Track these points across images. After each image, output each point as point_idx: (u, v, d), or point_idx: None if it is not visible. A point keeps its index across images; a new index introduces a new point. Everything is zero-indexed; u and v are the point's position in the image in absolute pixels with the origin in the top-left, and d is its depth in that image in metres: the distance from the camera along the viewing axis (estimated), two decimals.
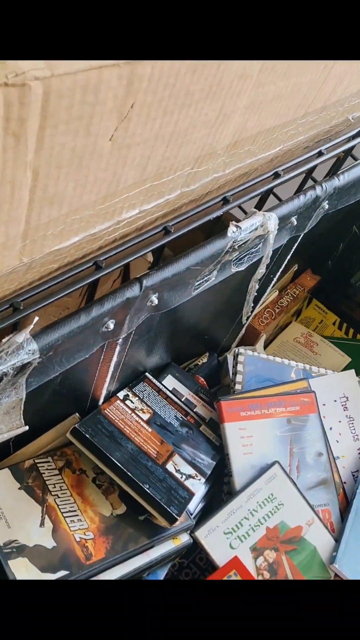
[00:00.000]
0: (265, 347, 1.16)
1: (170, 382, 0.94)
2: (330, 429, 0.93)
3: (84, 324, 0.57)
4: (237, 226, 0.68)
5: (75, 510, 0.72)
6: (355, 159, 0.93)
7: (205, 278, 0.71)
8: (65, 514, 0.71)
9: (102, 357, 0.70)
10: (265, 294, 0.95)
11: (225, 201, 0.67)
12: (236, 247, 0.69)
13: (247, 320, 0.95)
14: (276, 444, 0.85)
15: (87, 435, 0.73)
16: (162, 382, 0.92)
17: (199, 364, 1.01)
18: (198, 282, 0.70)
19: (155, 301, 0.65)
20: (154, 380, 0.90)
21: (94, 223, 0.54)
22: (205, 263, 0.66)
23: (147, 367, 0.91)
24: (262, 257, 0.77)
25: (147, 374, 0.90)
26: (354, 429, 0.94)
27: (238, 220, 0.69)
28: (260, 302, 0.97)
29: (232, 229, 0.67)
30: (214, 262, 0.68)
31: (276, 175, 0.71)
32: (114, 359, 0.71)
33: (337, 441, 0.93)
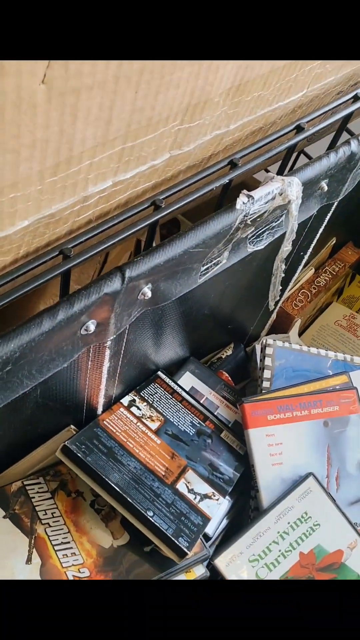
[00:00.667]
0: (301, 333, 1.02)
1: (187, 380, 0.82)
2: None
3: (49, 329, 0.45)
4: (248, 196, 0.54)
5: (68, 542, 0.61)
6: None
7: (214, 261, 0.58)
8: (56, 547, 0.60)
9: (89, 363, 0.58)
10: (296, 274, 0.81)
11: (233, 165, 0.53)
12: (249, 221, 0.55)
13: (275, 305, 0.82)
14: (311, 451, 0.72)
15: (79, 454, 0.61)
16: (178, 382, 0.80)
17: (223, 357, 0.88)
18: (205, 267, 0.57)
19: (149, 293, 0.52)
20: (167, 380, 0.78)
21: (48, 201, 0.41)
22: (209, 244, 0.53)
23: (159, 364, 0.78)
24: (286, 232, 0.63)
25: (159, 372, 0.78)
26: None
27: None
28: (291, 283, 0.83)
29: (242, 199, 0.54)
30: (222, 242, 0.55)
31: (298, 129, 0.57)
32: (106, 364, 0.59)
33: None
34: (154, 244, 0.52)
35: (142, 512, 0.60)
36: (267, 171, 0.79)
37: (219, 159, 0.55)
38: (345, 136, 0.66)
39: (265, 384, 0.80)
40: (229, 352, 0.88)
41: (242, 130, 0.54)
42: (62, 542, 0.61)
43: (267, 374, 0.80)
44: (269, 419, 0.72)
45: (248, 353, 0.90)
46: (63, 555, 0.60)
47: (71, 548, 0.61)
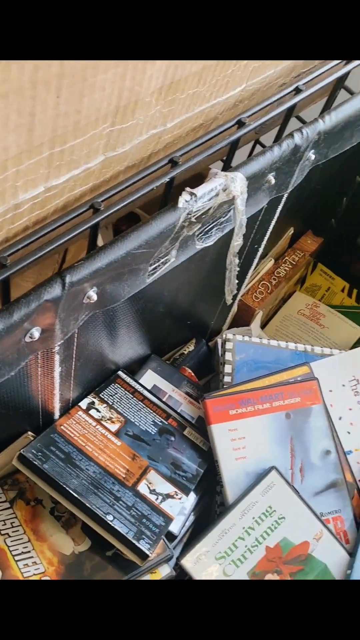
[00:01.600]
0: (265, 324, 1.02)
1: (149, 378, 0.81)
2: (340, 418, 0.79)
3: None
4: (191, 193, 0.53)
5: (29, 551, 0.60)
6: (350, 92, 0.77)
7: (162, 260, 0.57)
8: (16, 557, 0.60)
9: (39, 369, 0.57)
10: (253, 267, 0.80)
11: (174, 164, 0.53)
12: (193, 219, 0.55)
13: (233, 299, 0.81)
14: (274, 444, 0.72)
15: (35, 462, 0.61)
16: (140, 380, 0.79)
17: (185, 353, 0.87)
18: (153, 267, 0.57)
19: (94, 297, 0.51)
20: (128, 380, 0.77)
21: None
22: (152, 244, 0.52)
23: (119, 364, 0.78)
24: (235, 227, 0.62)
25: (120, 372, 0.77)
26: None
27: None
28: (249, 275, 0.83)
29: (184, 197, 0.53)
30: (167, 241, 0.54)
31: (240, 124, 0.56)
32: (57, 369, 0.58)
33: (349, 432, 0.79)
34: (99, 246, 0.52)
35: (102, 516, 0.60)
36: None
37: (160, 157, 0.54)
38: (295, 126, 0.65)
39: (227, 379, 0.79)
40: (191, 347, 0.88)
41: (181, 127, 0.53)
42: (22, 552, 0.60)
43: (228, 368, 0.80)
44: (231, 414, 0.72)
45: (211, 348, 0.90)
46: (24, 565, 0.60)
47: (32, 557, 0.60)
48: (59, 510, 0.64)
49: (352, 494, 0.74)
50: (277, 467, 0.70)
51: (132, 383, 0.77)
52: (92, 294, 0.51)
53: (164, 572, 0.64)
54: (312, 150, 0.64)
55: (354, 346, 0.94)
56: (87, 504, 0.60)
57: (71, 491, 0.60)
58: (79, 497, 0.60)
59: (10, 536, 0.61)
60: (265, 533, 0.68)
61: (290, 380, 0.77)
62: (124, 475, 0.65)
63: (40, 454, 0.62)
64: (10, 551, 0.60)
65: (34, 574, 0.59)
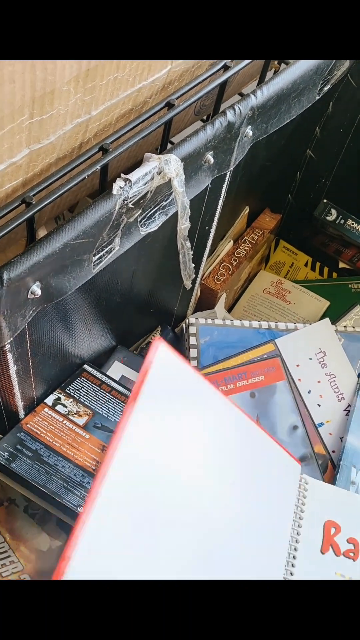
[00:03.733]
0: (233, 305, 1.02)
1: (117, 369, 0.81)
2: (309, 392, 0.80)
3: None
4: (125, 179, 0.53)
5: (6, 551, 0.61)
6: (286, 63, 0.77)
7: (106, 249, 0.57)
8: None
9: None
10: (207, 249, 0.80)
11: (104, 151, 0.53)
12: (130, 204, 0.55)
13: (192, 283, 0.81)
14: None
15: (2, 462, 0.61)
16: (107, 372, 0.80)
17: (152, 341, 0.87)
18: (97, 257, 0.57)
19: (38, 292, 0.51)
20: (94, 372, 0.77)
21: None
22: (90, 233, 0.52)
23: (84, 357, 0.78)
24: (178, 209, 0.62)
25: (85, 365, 0.77)
26: (337, 388, 0.81)
27: None
28: (205, 257, 0.83)
29: (118, 183, 0.53)
30: (106, 229, 0.54)
31: (169, 106, 0.56)
32: (12, 367, 0.58)
33: (319, 405, 0.79)
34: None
35: (74, 510, 0.60)
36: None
37: (91, 145, 0.54)
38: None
39: (193, 363, 0.80)
40: (157, 335, 0.88)
41: (108, 114, 0.53)
42: None
43: (193, 352, 0.80)
44: None
45: (177, 334, 0.90)
46: (1, 565, 0.60)
47: (9, 557, 0.60)
48: (32, 507, 0.64)
49: (325, 466, 0.75)
50: None
51: (99, 375, 0.77)
52: (36, 289, 0.51)
53: None
54: (249, 127, 0.64)
55: (321, 318, 0.95)
56: (58, 500, 0.60)
57: (42, 488, 0.60)
58: (50, 494, 0.60)
59: None
60: None
61: (256, 359, 0.78)
62: (94, 468, 0.65)
63: (7, 453, 0.62)
64: None
65: (13, 573, 0.59)
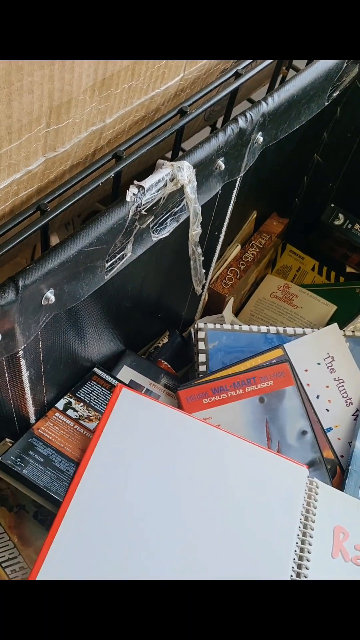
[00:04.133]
0: (240, 309, 1.02)
1: (126, 374, 0.81)
2: (317, 397, 0.80)
3: None
4: (139, 186, 0.53)
5: (15, 557, 0.61)
6: (297, 71, 0.78)
7: (118, 256, 0.57)
8: (4, 564, 0.60)
9: (6, 375, 0.57)
10: (216, 255, 0.80)
11: (118, 158, 0.53)
12: (144, 211, 0.55)
13: (202, 288, 0.81)
14: (249, 429, 0.73)
15: (15, 468, 0.61)
16: (117, 376, 0.80)
17: (160, 345, 0.88)
18: (109, 263, 0.57)
19: (52, 298, 0.52)
20: (104, 376, 0.77)
21: None
22: (104, 240, 0.52)
23: (94, 361, 0.78)
24: (189, 215, 0.62)
25: (95, 369, 0.78)
26: (345, 393, 0.81)
27: None
28: (214, 263, 0.83)
29: (132, 190, 0.53)
30: (119, 236, 0.54)
31: (182, 113, 0.57)
32: (25, 373, 0.58)
33: (327, 410, 0.80)
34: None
35: None
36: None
37: (105, 153, 0.54)
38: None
39: (202, 368, 0.80)
40: (165, 340, 0.88)
41: (122, 122, 0.53)
42: (8, 558, 0.60)
43: (202, 357, 0.80)
44: (204, 403, 0.72)
45: (185, 338, 0.90)
46: (11, 570, 0.60)
47: (19, 562, 0.61)
48: (42, 513, 0.64)
49: (334, 471, 0.75)
50: None
51: (109, 379, 0.77)
52: (50, 295, 0.51)
53: None
54: (260, 133, 0.64)
55: (328, 323, 0.95)
56: None
57: (53, 494, 0.60)
58: (61, 500, 0.60)
59: None
60: None
61: (265, 364, 0.78)
62: None
63: (19, 459, 0.62)
64: None
65: (22, 578, 0.60)
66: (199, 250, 0.71)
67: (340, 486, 0.73)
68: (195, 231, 0.66)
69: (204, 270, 0.77)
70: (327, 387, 0.81)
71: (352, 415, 0.80)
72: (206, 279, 0.84)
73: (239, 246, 0.95)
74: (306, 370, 0.81)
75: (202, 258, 0.73)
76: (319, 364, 0.82)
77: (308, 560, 0.60)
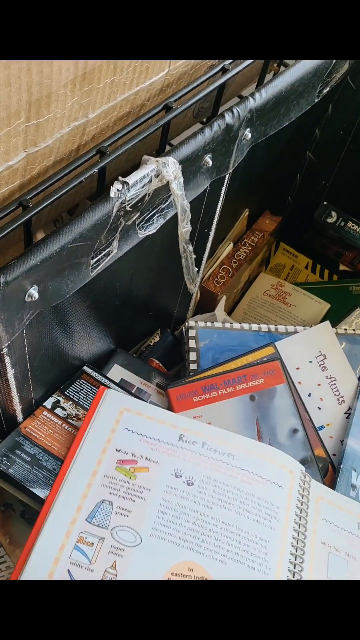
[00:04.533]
0: (233, 308, 1.02)
1: (117, 372, 0.81)
2: (309, 395, 0.79)
3: None
4: (123, 182, 0.53)
5: (2, 556, 0.60)
6: (286, 66, 0.77)
7: (104, 253, 0.57)
8: None
9: None
10: (206, 252, 0.80)
11: (102, 154, 0.52)
12: (128, 207, 0.54)
13: (195, 287, 0.81)
14: (240, 427, 0.72)
15: (1, 467, 0.60)
16: (108, 374, 0.79)
17: (151, 344, 0.87)
18: (95, 260, 0.56)
19: (36, 295, 0.51)
20: (94, 374, 0.77)
21: None
22: (87, 236, 0.52)
23: (84, 359, 0.78)
24: (177, 212, 0.62)
25: (85, 367, 0.77)
26: (337, 391, 0.80)
27: None
28: (204, 261, 0.83)
29: (116, 186, 0.53)
30: (104, 233, 0.54)
31: (167, 109, 0.56)
32: (10, 370, 0.58)
33: (319, 408, 0.79)
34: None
35: None
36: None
37: (89, 148, 0.53)
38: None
39: (193, 366, 0.79)
40: (157, 338, 0.88)
41: (105, 117, 0.53)
42: None
43: (192, 356, 0.80)
44: (194, 401, 0.72)
45: (177, 337, 0.90)
46: None
47: (5, 561, 0.60)
48: (29, 512, 0.64)
49: (325, 470, 0.74)
50: None
51: (99, 377, 0.77)
52: (34, 292, 0.51)
53: None
54: (248, 129, 0.64)
55: (322, 321, 0.94)
56: None
57: (38, 493, 0.60)
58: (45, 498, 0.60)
59: None
60: None
61: (256, 362, 0.77)
62: None
63: (5, 458, 0.62)
64: None
65: (9, 576, 0.59)
66: (190, 248, 0.70)
67: (332, 485, 0.72)
68: (184, 228, 0.66)
69: (197, 269, 0.76)
70: (319, 385, 0.80)
71: (344, 413, 0.79)
72: (199, 276, 0.84)
73: (232, 244, 0.95)
74: (298, 369, 0.80)
75: (194, 256, 0.72)
76: (310, 362, 0.82)
77: (303, 552, 0.60)
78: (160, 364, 0.86)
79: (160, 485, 0.61)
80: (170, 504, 0.60)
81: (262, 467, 0.65)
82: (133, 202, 0.54)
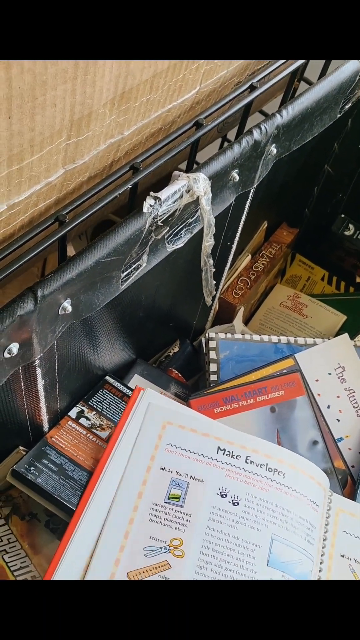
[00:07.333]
0: (249, 319, 1.02)
1: (137, 382, 0.82)
2: (328, 407, 0.80)
3: None
4: (155, 197, 0.54)
5: (27, 566, 0.61)
6: (309, 83, 0.78)
7: (134, 266, 0.58)
8: (15, 572, 0.60)
9: (22, 384, 0.57)
10: (228, 264, 0.81)
11: (135, 170, 0.53)
12: (160, 222, 0.55)
13: (212, 300, 0.82)
14: (261, 439, 0.73)
15: (29, 477, 0.61)
16: (128, 384, 0.80)
17: (171, 354, 0.88)
18: (125, 273, 0.57)
19: (69, 308, 0.52)
20: (117, 384, 0.78)
21: None
22: (121, 251, 0.53)
23: (106, 369, 0.78)
24: (203, 227, 0.63)
25: (107, 377, 0.78)
26: (356, 403, 0.81)
27: None
28: (226, 272, 0.84)
29: (149, 202, 0.53)
30: (135, 247, 0.55)
31: (198, 126, 0.57)
32: (40, 382, 0.59)
33: (338, 420, 0.80)
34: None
35: None
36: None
37: (122, 164, 0.54)
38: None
39: (213, 377, 0.80)
40: (176, 349, 0.88)
41: (139, 134, 0.54)
42: (20, 567, 0.60)
43: (213, 367, 0.81)
44: (215, 412, 0.73)
45: (196, 347, 0.91)
46: (23, 579, 0.60)
47: (31, 571, 0.61)
48: (53, 522, 0.64)
49: (344, 481, 0.75)
50: None
51: (121, 387, 0.77)
52: (67, 305, 0.52)
53: None
54: (274, 145, 0.65)
55: (338, 333, 0.95)
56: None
57: (67, 504, 0.61)
58: (74, 508, 0.60)
59: (7, 552, 0.61)
60: None
61: (276, 374, 0.78)
62: None
63: (32, 468, 0.63)
64: (9, 567, 0.60)
65: None
66: (211, 261, 0.71)
67: (352, 496, 0.73)
68: (208, 242, 0.67)
69: (215, 282, 0.77)
70: (338, 397, 0.81)
71: None
72: (217, 289, 0.85)
73: (250, 256, 0.96)
74: (317, 380, 0.81)
75: (214, 269, 0.73)
76: (329, 374, 0.82)
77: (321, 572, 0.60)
78: (179, 374, 0.86)
79: (205, 507, 0.61)
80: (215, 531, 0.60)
81: (305, 485, 0.65)
82: (164, 217, 0.55)
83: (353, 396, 0.81)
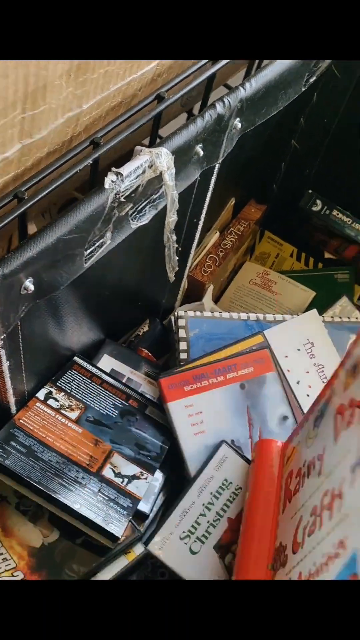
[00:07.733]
0: (219, 297, 1.02)
1: (106, 362, 0.81)
2: (298, 382, 0.80)
3: None
4: (117, 173, 0.53)
5: None
6: None
7: (98, 244, 0.57)
8: None
9: None
10: (195, 242, 0.80)
11: (95, 145, 0.52)
12: (122, 198, 0.54)
13: (177, 276, 0.81)
14: (231, 416, 0.73)
15: None
16: (98, 365, 0.79)
17: (140, 334, 0.87)
18: (89, 251, 0.56)
19: (31, 287, 0.51)
20: (85, 365, 0.77)
21: None
22: (83, 228, 0.52)
23: (74, 349, 0.78)
24: (167, 203, 0.62)
25: (76, 358, 0.77)
26: (326, 378, 0.81)
27: None
28: (193, 249, 0.83)
29: (110, 177, 0.52)
30: (98, 224, 0.54)
31: (159, 99, 0.56)
32: (5, 363, 0.58)
33: (308, 395, 0.80)
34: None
35: (69, 505, 0.60)
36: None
37: (82, 139, 0.53)
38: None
39: (183, 356, 0.80)
40: (146, 328, 0.88)
41: (98, 108, 0.53)
42: None
43: (183, 345, 0.80)
44: (185, 390, 0.72)
45: (166, 326, 0.90)
46: None
47: (2, 554, 0.60)
48: (24, 504, 0.64)
49: None
50: (226, 441, 0.70)
51: (89, 367, 0.77)
52: (29, 284, 0.51)
53: (138, 551, 0.65)
54: (238, 119, 0.64)
55: (307, 309, 0.95)
56: (53, 495, 0.60)
57: (36, 484, 0.60)
58: (44, 489, 0.60)
59: None
60: (225, 506, 0.68)
61: (245, 351, 0.78)
62: (87, 462, 0.65)
63: (1, 450, 0.62)
64: None
65: (5, 570, 0.59)
66: (174, 237, 0.70)
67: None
68: (171, 218, 0.66)
69: (177, 258, 0.76)
70: (307, 372, 0.81)
71: None
72: (184, 266, 0.84)
73: (218, 233, 0.95)
74: (286, 357, 0.81)
75: (176, 245, 0.72)
76: (299, 350, 0.82)
77: None
78: (150, 354, 0.86)
79: None
80: None
81: None
82: (127, 193, 0.54)
83: (322, 371, 0.82)
